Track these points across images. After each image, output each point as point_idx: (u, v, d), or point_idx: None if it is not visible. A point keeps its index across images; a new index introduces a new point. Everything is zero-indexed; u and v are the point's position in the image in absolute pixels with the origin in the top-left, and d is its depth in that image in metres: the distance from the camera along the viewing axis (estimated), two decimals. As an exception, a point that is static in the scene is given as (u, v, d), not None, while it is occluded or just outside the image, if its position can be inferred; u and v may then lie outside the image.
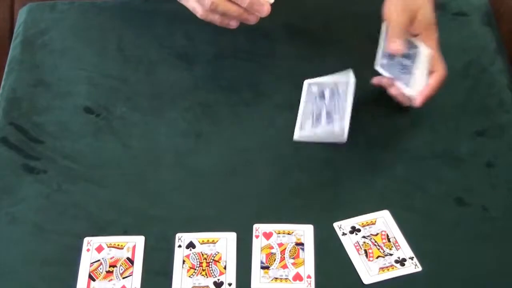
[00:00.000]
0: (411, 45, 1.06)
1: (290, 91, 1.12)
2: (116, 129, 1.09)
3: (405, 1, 1.06)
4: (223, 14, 1.04)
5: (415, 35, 1.06)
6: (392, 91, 1.07)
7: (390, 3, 1.06)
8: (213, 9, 1.03)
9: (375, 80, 1.09)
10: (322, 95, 1.07)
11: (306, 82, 1.10)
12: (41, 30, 1.23)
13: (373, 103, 1.10)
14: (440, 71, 1.05)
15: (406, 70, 1.05)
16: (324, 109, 1.06)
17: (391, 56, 1.06)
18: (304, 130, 1.06)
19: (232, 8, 1.03)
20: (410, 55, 1.05)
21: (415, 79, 1.05)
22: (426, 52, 1.05)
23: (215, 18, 1.05)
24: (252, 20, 1.05)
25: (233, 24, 1.06)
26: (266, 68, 1.15)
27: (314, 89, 1.09)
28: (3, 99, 1.14)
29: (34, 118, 1.11)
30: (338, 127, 1.04)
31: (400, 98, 1.07)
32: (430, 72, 1.05)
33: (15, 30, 1.25)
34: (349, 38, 1.17)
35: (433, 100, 1.10)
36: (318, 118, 1.06)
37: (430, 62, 1.05)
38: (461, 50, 1.16)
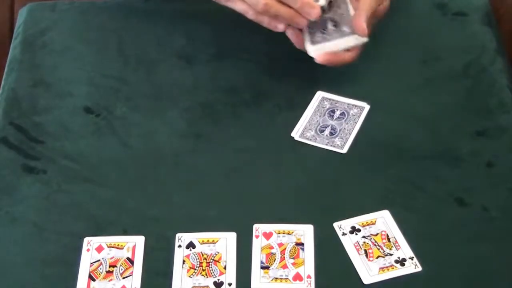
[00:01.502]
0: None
1: (290, 91, 1.12)
2: (116, 129, 1.09)
3: None
4: (275, 16, 1.04)
5: None
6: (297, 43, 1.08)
7: None
8: (266, 11, 1.03)
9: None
10: (332, 113, 1.08)
11: (320, 94, 1.10)
12: (41, 30, 1.23)
13: (373, 102, 1.10)
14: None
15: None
16: (330, 125, 1.06)
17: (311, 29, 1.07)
18: (305, 136, 1.06)
19: (284, 10, 1.03)
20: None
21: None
22: None
23: (264, 20, 1.05)
24: (302, 23, 1.05)
25: (280, 28, 1.06)
26: (266, 68, 1.15)
27: (326, 104, 1.09)
28: (3, 99, 1.14)
29: (34, 118, 1.11)
30: (339, 140, 1.04)
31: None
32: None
33: (15, 30, 1.25)
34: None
35: (433, 100, 1.10)
36: (321, 131, 1.06)
37: None
38: (461, 50, 1.16)
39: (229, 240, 0.97)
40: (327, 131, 1.06)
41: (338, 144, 1.05)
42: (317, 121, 1.08)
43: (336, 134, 1.06)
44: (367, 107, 1.08)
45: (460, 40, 1.18)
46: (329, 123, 1.07)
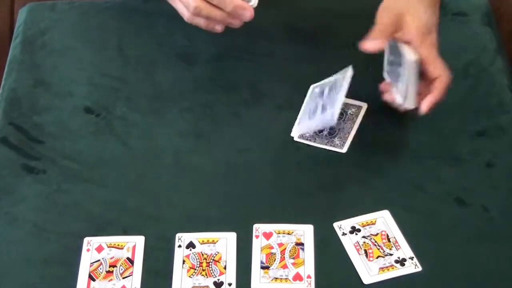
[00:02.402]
0: (399, 52, 1.03)
1: (290, 91, 1.12)
2: (116, 129, 1.09)
3: (395, 4, 1.03)
4: (207, 18, 1.04)
5: (407, 42, 1.02)
6: (386, 96, 1.07)
7: (381, 7, 1.05)
8: (197, 13, 1.04)
9: (382, 87, 1.08)
10: (321, 94, 1.07)
11: (311, 87, 1.10)
12: (41, 30, 1.23)
13: (373, 103, 1.10)
14: (443, 77, 1.02)
15: (400, 77, 1.04)
16: (320, 103, 1.06)
17: (390, 63, 1.05)
18: (300, 124, 1.06)
19: (215, 13, 1.04)
20: (401, 63, 1.03)
21: (404, 87, 1.03)
22: (411, 59, 1.01)
23: (201, 22, 1.06)
24: (236, 24, 1.05)
25: (218, 28, 1.06)
26: (266, 68, 1.15)
27: (316, 90, 1.09)
28: (3, 99, 1.14)
29: (34, 118, 1.11)
30: (330, 113, 1.03)
31: (395, 105, 1.07)
32: (432, 79, 1.02)
33: (15, 30, 1.25)
34: (349, 38, 1.17)
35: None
36: (314, 112, 1.06)
37: (417, 69, 1.01)
38: (461, 50, 1.16)
39: (229, 240, 0.97)
40: (325, 131, 1.06)
41: (337, 144, 1.05)
42: (310, 107, 1.07)
43: (335, 134, 1.06)
44: (364, 106, 1.08)
45: (460, 40, 1.18)
46: (319, 102, 1.07)
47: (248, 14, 1.04)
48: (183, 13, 1.06)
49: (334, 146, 1.05)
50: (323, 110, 1.04)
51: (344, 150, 1.04)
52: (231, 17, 1.04)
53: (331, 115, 1.01)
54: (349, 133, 1.06)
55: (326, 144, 1.05)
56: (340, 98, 1.02)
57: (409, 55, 1.01)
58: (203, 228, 0.98)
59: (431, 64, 1.02)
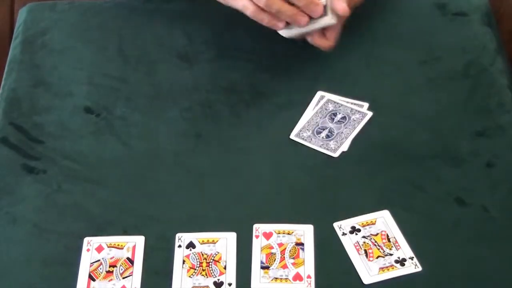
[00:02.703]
0: None
1: (290, 91, 1.12)
2: (116, 129, 1.09)
3: None
4: (277, 13, 1.03)
5: None
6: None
7: None
8: (268, 6, 1.02)
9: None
10: (333, 115, 1.07)
11: (321, 94, 1.10)
12: (41, 30, 1.23)
13: (372, 103, 1.10)
14: None
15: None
16: (328, 128, 1.06)
17: None
18: (301, 136, 1.06)
19: (286, 8, 1.03)
20: None
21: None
22: None
23: (264, 17, 1.04)
24: (303, 21, 1.04)
25: (280, 26, 1.05)
26: (266, 68, 1.15)
27: (330, 106, 1.09)
28: (3, 99, 1.14)
29: (34, 118, 1.11)
30: (334, 144, 1.04)
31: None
32: None
33: (15, 30, 1.25)
34: (349, 38, 1.17)
35: (434, 100, 1.10)
36: (319, 133, 1.06)
37: None
38: (461, 50, 1.16)
39: (229, 240, 0.97)
40: (324, 133, 1.06)
41: (331, 147, 1.05)
42: (317, 122, 1.08)
43: (332, 137, 1.06)
44: (369, 114, 1.08)
45: (460, 40, 1.18)
46: (328, 125, 1.07)
47: (319, 10, 1.03)
48: (247, 8, 1.04)
49: (328, 149, 1.05)
50: (329, 136, 1.05)
51: (336, 154, 1.04)
52: (300, 13, 1.03)
53: (334, 150, 1.04)
54: (346, 138, 1.06)
55: (320, 146, 1.05)
56: (350, 137, 1.04)
57: None
58: (203, 228, 0.98)
59: None
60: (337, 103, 1.09)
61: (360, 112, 1.08)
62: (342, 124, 1.07)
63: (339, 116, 1.08)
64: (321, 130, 1.06)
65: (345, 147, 1.05)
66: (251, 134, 1.08)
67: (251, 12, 1.04)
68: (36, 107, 1.12)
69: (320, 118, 1.08)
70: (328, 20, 1.04)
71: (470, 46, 1.17)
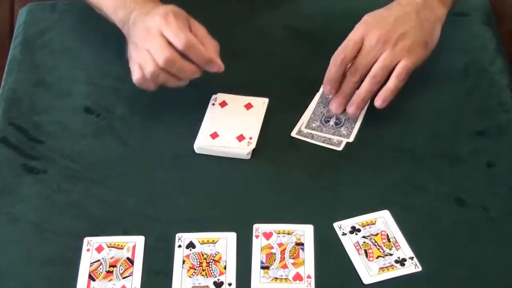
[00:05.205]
0: None
1: (290, 91, 1.12)
2: (116, 129, 1.09)
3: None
4: (179, 71, 1.01)
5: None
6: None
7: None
8: (168, 66, 1.00)
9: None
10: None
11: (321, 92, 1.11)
12: (41, 30, 1.23)
13: (372, 103, 1.09)
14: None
15: None
16: (334, 116, 1.07)
17: None
18: (310, 127, 1.06)
19: (187, 65, 1.02)
20: None
21: None
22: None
23: (150, 85, 1.03)
24: (197, 74, 1.03)
25: (183, 84, 1.04)
26: (266, 68, 1.15)
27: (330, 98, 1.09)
28: (3, 99, 1.14)
29: (34, 118, 1.11)
30: (345, 130, 1.05)
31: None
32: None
33: (15, 30, 1.25)
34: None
35: (433, 100, 1.10)
36: (327, 121, 1.06)
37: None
38: (461, 50, 1.16)
39: (229, 240, 0.97)
40: (332, 121, 1.07)
41: (344, 134, 1.05)
42: (321, 111, 1.08)
43: (341, 124, 1.06)
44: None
45: (460, 40, 1.18)
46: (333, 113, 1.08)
47: (216, 68, 1.03)
48: (134, 72, 1.03)
49: (340, 135, 1.05)
50: (338, 124, 1.05)
51: (351, 139, 1.05)
52: (200, 69, 1.02)
53: (347, 136, 1.05)
54: (355, 122, 1.06)
55: (333, 134, 1.05)
56: (359, 121, 1.07)
57: None
58: (203, 228, 0.98)
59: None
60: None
61: None
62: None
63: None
64: (329, 119, 1.07)
65: (352, 136, 1.05)
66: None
67: (136, 79, 1.03)
68: (36, 107, 1.12)
69: (324, 107, 1.08)
70: (242, 152, 1.04)
71: (470, 46, 1.17)
